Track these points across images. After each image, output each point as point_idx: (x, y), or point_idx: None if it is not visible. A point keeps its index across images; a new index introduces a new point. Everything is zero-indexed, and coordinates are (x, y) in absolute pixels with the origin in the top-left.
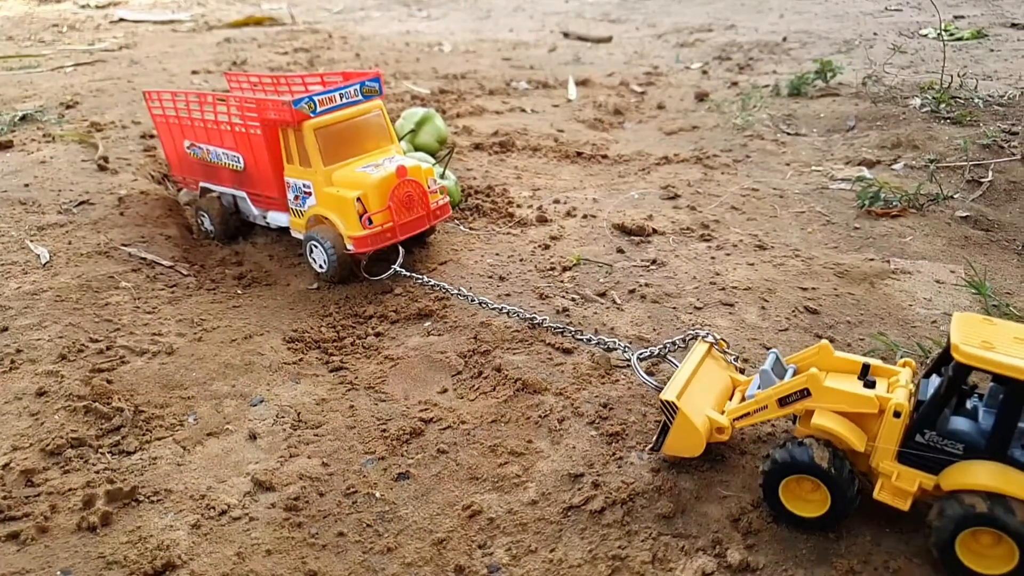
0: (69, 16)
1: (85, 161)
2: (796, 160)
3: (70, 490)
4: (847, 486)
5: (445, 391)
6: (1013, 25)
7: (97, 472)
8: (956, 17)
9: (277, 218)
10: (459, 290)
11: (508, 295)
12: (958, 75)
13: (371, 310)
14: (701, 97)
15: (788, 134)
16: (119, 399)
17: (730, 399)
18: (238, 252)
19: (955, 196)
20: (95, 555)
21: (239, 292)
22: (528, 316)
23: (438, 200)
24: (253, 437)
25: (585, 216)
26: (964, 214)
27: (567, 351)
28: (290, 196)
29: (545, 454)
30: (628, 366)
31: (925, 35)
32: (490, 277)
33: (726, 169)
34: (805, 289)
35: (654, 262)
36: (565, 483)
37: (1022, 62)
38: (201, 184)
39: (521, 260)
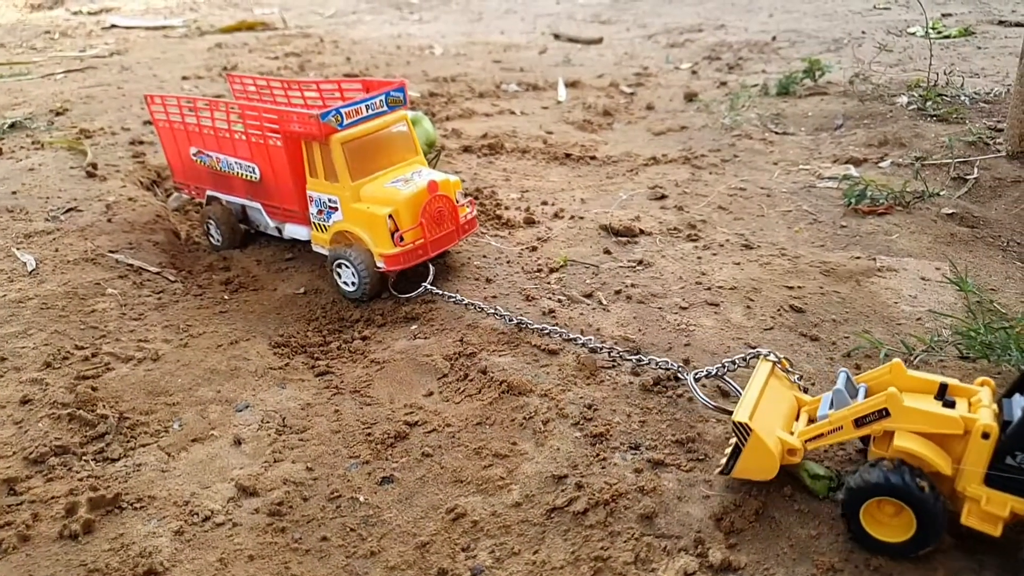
0: (61, 23)
1: (73, 168)
2: (784, 159)
3: (53, 498)
4: (942, 520)
5: (430, 394)
6: (1000, 22)
7: (80, 480)
8: (944, 15)
9: (295, 231)
10: (495, 309)
11: (495, 297)
12: (944, 73)
13: (357, 314)
14: (690, 97)
15: (776, 133)
16: (104, 406)
17: (796, 419)
18: (225, 258)
19: (941, 193)
20: (77, 563)
21: (226, 298)
22: (595, 346)
23: (466, 214)
24: (238, 442)
25: (572, 217)
26: (950, 211)
27: (552, 352)
28: (313, 210)
29: (529, 456)
30: (613, 367)
31: (913, 33)
32: (476, 279)
33: (714, 169)
34: (791, 288)
35: (640, 263)
36: (549, 485)
37: (1009, 59)
38: (208, 192)
39: (508, 262)
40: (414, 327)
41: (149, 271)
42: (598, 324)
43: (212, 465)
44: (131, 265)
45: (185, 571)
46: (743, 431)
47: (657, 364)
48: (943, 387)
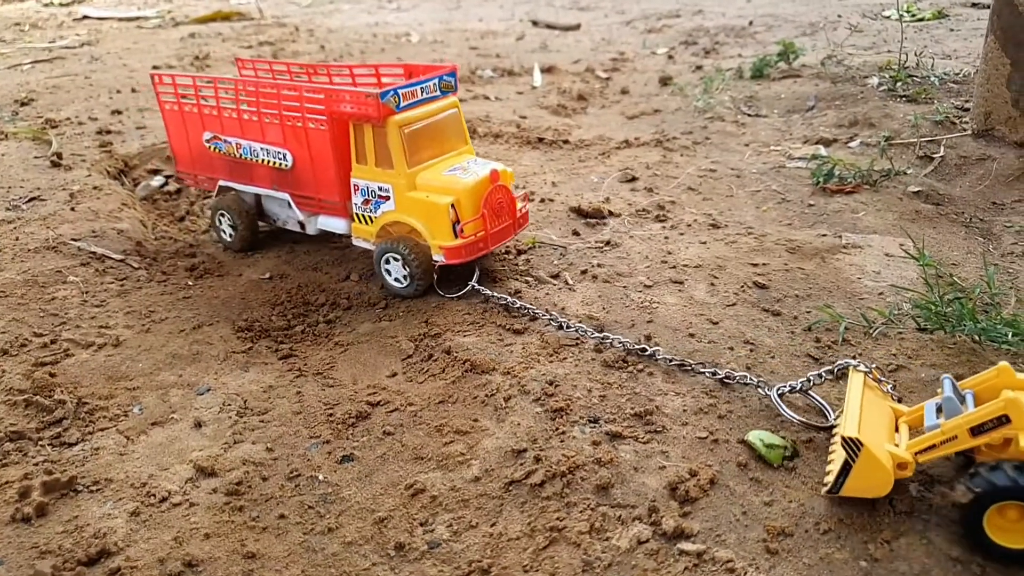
0: (32, 15)
1: (38, 158)
2: (755, 140)
3: (7, 482)
4: None
5: (394, 375)
6: (973, 5)
7: (36, 464)
8: None
9: (330, 224)
10: (547, 312)
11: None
12: (916, 54)
13: (323, 298)
14: (665, 81)
15: (749, 115)
16: (62, 391)
17: (896, 431)
18: (192, 245)
19: (908, 172)
20: (29, 545)
21: (190, 283)
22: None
23: (521, 207)
24: (198, 425)
25: (543, 200)
26: (916, 189)
27: (517, 332)
28: (357, 200)
29: (490, 432)
30: (576, 344)
31: (888, 16)
32: None
33: (685, 151)
34: (756, 265)
35: (608, 243)
36: (508, 459)
37: (980, 40)
38: (221, 182)
39: None
40: (379, 310)
41: (112, 258)
42: (563, 303)
43: (171, 448)
44: (94, 253)
45: (139, 551)
46: (854, 447)
47: (727, 375)
48: None
